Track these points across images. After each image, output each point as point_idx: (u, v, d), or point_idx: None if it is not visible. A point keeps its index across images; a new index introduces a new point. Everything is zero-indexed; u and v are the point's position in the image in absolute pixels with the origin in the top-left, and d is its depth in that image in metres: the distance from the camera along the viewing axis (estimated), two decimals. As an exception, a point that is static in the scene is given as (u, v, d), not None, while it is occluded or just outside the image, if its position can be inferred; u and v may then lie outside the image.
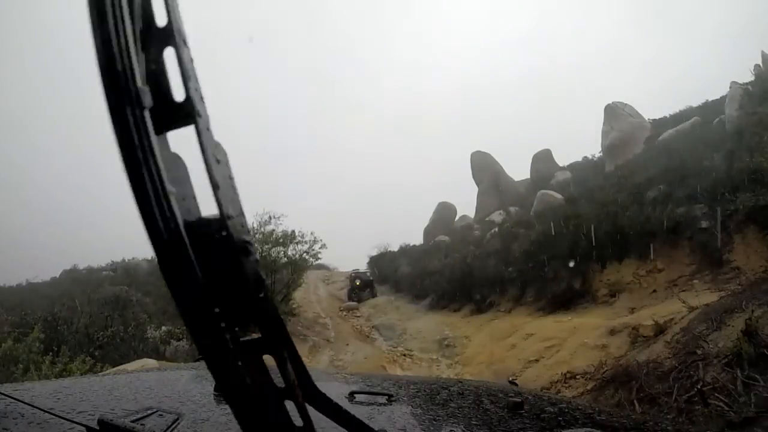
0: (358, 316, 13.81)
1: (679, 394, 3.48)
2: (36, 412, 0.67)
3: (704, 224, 8.80)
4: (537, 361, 5.92)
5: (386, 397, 0.95)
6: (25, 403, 0.69)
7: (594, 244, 9.71)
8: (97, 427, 0.60)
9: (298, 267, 11.16)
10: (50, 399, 0.76)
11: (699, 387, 3.33)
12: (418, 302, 13.81)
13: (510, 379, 1.91)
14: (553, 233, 10.86)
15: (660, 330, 4.64)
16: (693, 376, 3.57)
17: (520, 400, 0.93)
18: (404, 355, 8.63)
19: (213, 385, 0.88)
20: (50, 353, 5.61)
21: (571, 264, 9.65)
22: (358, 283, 15.80)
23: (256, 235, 10.72)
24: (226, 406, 0.86)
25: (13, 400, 0.69)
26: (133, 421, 0.64)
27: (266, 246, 10.53)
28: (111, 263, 28.01)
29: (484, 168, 30.35)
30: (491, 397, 1.09)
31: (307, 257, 11.34)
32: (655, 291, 8.04)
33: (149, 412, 0.71)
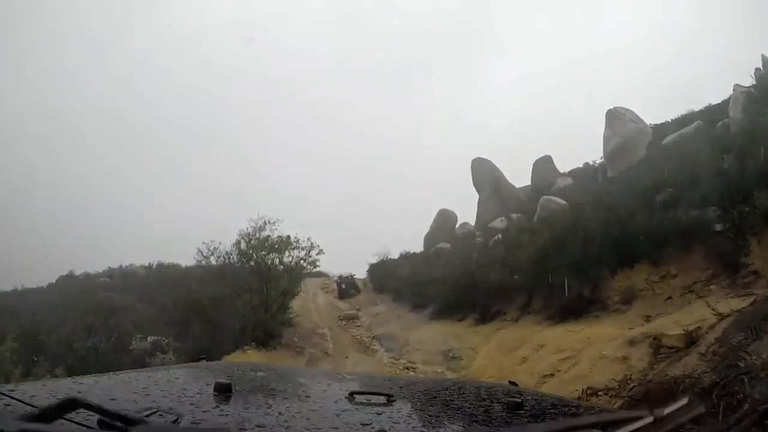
0: (358, 326, 13.35)
1: (725, 414, 3.06)
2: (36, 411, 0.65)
3: (718, 227, 8.46)
4: (552, 375, 5.47)
5: (386, 397, 0.94)
6: (25, 403, 0.69)
7: (603, 249, 9.34)
8: (97, 427, 0.60)
9: (294, 274, 10.64)
10: (50, 399, 0.75)
11: (749, 405, 2.92)
12: (420, 311, 13.34)
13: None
14: (560, 239, 10.48)
15: (691, 341, 4.22)
16: (738, 392, 3.16)
17: (520, 400, 0.93)
18: (407, 368, 8.14)
19: (213, 385, 0.88)
20: (20, 365, 5.16)
21: (580, 271, 9.28)
22: (344, 286, 20.24)
23: (251, 241, 10.28)
24: (226, 406, 0.82)
25: (13, 400, 0.70)
26: None
27: (261, 252, 10.06)
28: (108, 269, 27.88)
29: (485, 175, 30.18)
30: (491, 397, 1.09)
31: (304, 264, 10.81)
32: (670, 298, 7.64)
33: (149, 412, 0.71)
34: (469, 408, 1.02)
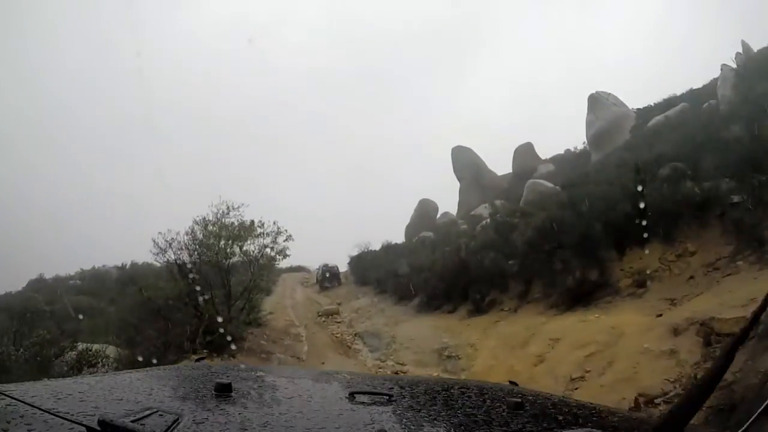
0: (339, 322, 12.10)
1: None
2: (36, 412, 0.66)
3: (735, 199, 7.71)
4: (583, 378, 4.37)
5: (386, 397, 0.94)
6: (25, 403, 0.68)
7: (607, 228, 8.48)
8: (98, 427, 0.60)
9: (259, 266, 9.07)
10: (50, 399, 0.75)
11: None
12: (406, 303, 12.18)
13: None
14: (557, 219, 9.59)
15: (779, 327, 3.19)
16: None
17: (520, 400, 0.92)
18: (396, 372, 6.93)
19: (213, 385, 0.87)
20: None
21: (583, 253, 8.38)
22: (327, 275, 18.94)
23: (208, 227, 8.69)
24: (227, 406, 0.87)
25: (13, 400, 0.69)
26: (133, 421, 0.63)
27: (221, 242, 8.52)
28: (80, 271, 25.99)
29: (466, 163, 29.70)
30: (492, 397, 1.10)
31: (271, 252, 9.24)
32: (692, 277, 6.75)
33: (149, 412, 0.69)
34: (469, 408, 1.00)
